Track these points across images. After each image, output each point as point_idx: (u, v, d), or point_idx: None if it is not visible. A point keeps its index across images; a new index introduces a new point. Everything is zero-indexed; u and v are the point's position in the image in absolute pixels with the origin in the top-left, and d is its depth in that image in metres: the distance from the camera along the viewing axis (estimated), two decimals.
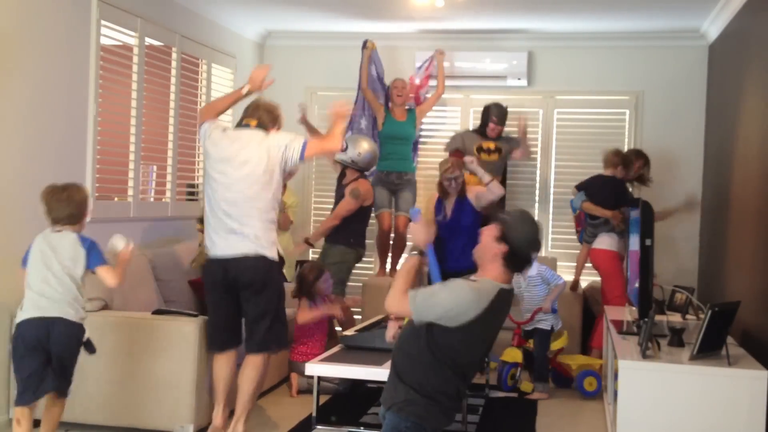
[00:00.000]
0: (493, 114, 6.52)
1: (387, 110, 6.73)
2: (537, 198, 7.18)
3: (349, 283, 6.11)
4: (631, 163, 6.19)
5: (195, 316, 4.46)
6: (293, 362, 5.35)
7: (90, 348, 3.87)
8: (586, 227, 6.21)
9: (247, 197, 4.11)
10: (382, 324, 5.07)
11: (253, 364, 4.23)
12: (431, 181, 6.54)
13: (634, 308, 4.76)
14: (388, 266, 6.78)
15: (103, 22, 5.09)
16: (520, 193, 7.15)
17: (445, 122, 7.30)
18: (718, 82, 6.40)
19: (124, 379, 4.34)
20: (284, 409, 5.02)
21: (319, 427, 4.36)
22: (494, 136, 6.55)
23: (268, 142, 4.18)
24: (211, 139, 4.25)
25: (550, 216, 7.14)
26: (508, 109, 7.12)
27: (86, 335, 3.82)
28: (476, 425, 4.75)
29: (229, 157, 4.16)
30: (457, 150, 6.50)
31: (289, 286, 6.02)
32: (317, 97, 7.50)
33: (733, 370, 3.61)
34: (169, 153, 5.95)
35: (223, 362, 4.32)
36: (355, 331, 5.01)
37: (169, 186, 5.96)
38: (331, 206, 6.37)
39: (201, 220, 4.84)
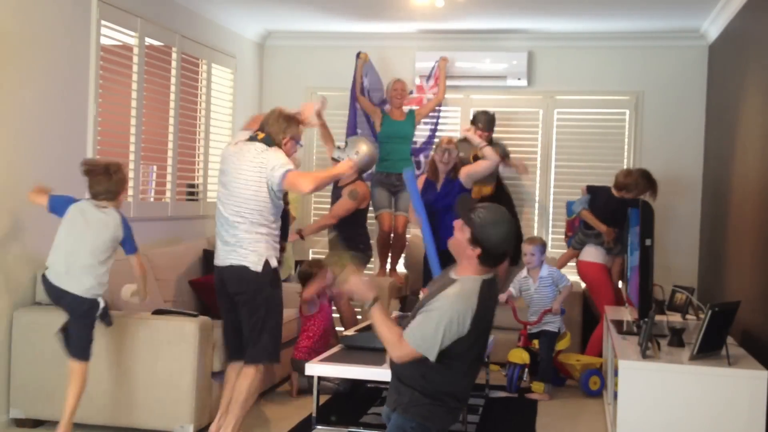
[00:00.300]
0: (479, 122, 6.50)
1: (383, 111, 6.72)
2: (537, 198, 7.18)
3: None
4: (636, 188, 6.05)
5: (195, 316, 4.46)
6: (296, 360, 5.34)
7: (106, 320, 4.12)
8: (577, 233, 6.22)
9: (236, 211, 4.14)
10: None
11: (244, 374, 4.20)
12: None
13: (634, 308, 4.76)
14: (388, 266, 6.78)
15: (103, 22, 5.09)
16: (520, 193, 7.15)
17: (445, 122, 7.29)
18: (718, 82, 6.40)
19: (124, 379, 4.34)
20: (284, 409, 5.02)
21: (319, 427, 4.36)
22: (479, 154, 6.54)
23: (260, 158, 4.13)
24: (226, 151, 4.32)
25: (550, 216, 7.14)
26: (508, 110, 7.15)
27: (101, 308, 4.06)
28: (476, 425, 4.75)
29: (229, 170, 4.19)
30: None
31: (291, 287, 6.04)
32: (317, 97, 7.45)
33: (733, 370, 3.61)
34: (169, 153, 5.95)
35: (230, 371, 4.35)
36: (355, 331, 5.01)
37: (169, 186, 5.96)
38: (329, 206, 6.39)
39: None
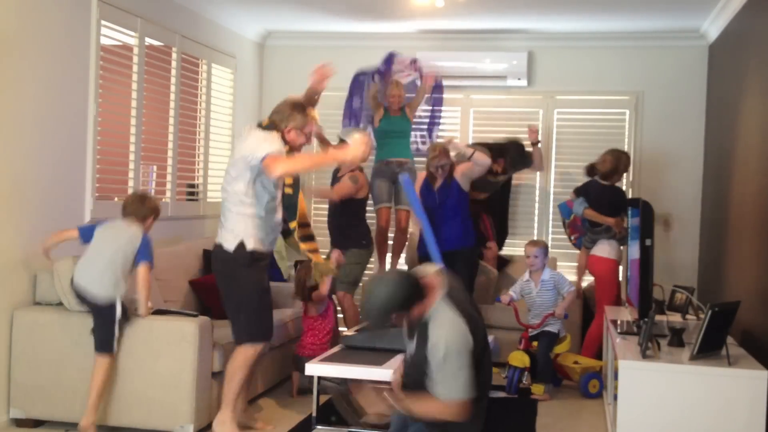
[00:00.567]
0: (509, 158, 6.51)
1: (385, 107, 6.71)
2: (537, 197, 7.18)
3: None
4: (619, 166, 6.09)
5: (195, 316, 4.46)
6: (299, 357, 5.32)
7: (125, 317, 4.32)
8: (586, 233, 6.20)
9: (225, 190, 4.30)
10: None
11: (232, 355, 4.33)
12: None
13: (634, 308, 4.76)
14: (388, 265, 6.77)
15: (103, 22, 5.09)
16: (520, 193, 7.15)
17: (445, 122, 7.28)
18: (718, 82, 6.40)
19: (124, 379, 4.34)
20: (284, 409, 5.02)
21: (319, 427, 4.36)
22: (496, 171, 6.51)
23: (249, 140, 4.25)
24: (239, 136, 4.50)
25: (550, 216, 7.14)
26: (508, 110, 7.16)
27: (119, 312, 4.26)
28: None
29: (232, 153, 4.41)
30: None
31: (286, 287, 6.04)
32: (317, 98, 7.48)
33: (733, 370, 3.61)
34: (169, 153, 5.95)
35: None
36: (356, 331, 5.01)
37: (169, 186, 5.96)
38: (327, 205, 6.38)
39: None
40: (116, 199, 5.48)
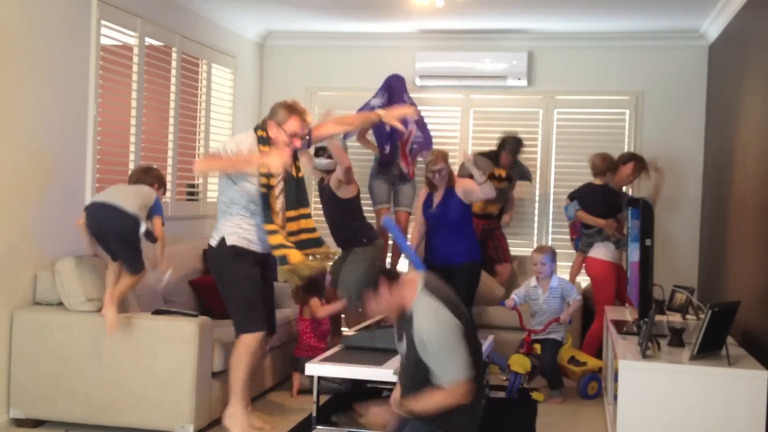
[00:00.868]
0: (509, 147, 6.51)
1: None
2: (537, 197, 7.18)
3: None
4: (617, 167, 6.10)
5: (195, 316, 4.46)
6: (297, 358, 5.33)
7: (151, 238, 4.46)
8: (582, 236, 6.19)
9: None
10: (381, 324, 5.07)
11: (233, 347, 4.41)
12: None
13: (634, 308, 4.76)
14: (388, 266, 6.77)
15: (103, 22, 5.09)
16: (521, 193, 7.14)
17: (445, 122, 7.29)
18: (718, 82, 6.40)
19: (124, 379, 4.34)
20: (284, 409, 5.02)
21: (319, 427, 4.36)
22: (505, 165, 6.53)
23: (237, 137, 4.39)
24: None
25: (550, 216, 7.14)
26: (508, 110, 7.16)
27: (143, 229, 4.37)
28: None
29: None
30: (470, 175, 6.44)
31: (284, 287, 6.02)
32: (317, 97, 7.49)
33: (733, 370, 3.61)
34: (169, 153, 5.95)
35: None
36: (356, 331, 5.01)
37: (169, 186, 5.95)
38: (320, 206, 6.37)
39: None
40: None
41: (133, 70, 5.48)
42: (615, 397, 3.96)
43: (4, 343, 4.40)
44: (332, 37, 7.33)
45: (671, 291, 5.23)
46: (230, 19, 6.79)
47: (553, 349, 5.44)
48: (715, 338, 3.76)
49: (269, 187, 4.27)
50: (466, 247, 5.76)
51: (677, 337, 4.13)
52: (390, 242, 6.75)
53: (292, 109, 4.32)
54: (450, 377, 2.96)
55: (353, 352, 4.58)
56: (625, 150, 6.96)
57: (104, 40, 5.17)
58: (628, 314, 5.14)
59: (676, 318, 4.94)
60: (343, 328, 5.97)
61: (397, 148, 6.51)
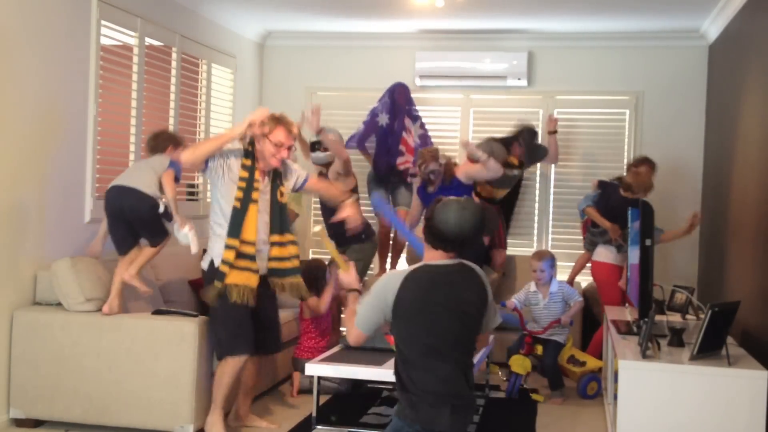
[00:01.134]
0: (523, 139, 6.49)
1: None
2: (537, 197, 7.18)
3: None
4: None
5: (195, 316, 4.46)
6: (297, 359, 5.34)
7: (168, 217, 4.53)
8: (588, 234, 6.18)
9: None
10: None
11: (218, 367, 4.36)
12: None
13: (634, 308, 4.76)
14: (388, 266, 6.77)
15: (103, 22, 5.09)
16: (521, 193, 7.13)
17: (445, 122, 7.29)
18: (718, 82, 6.40)
19: (124, 379, 4.34)
20: (284, 409, 5.02)
21: (319, 427, 4.36)
22: (516, 157, 6.50)
23: None
24: None
25: (550, 216, 7.14)
26: (508, 110, 7.16)
27: (162, 208, 4.51)
28: (476, 425, 4.75)
29: None
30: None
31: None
32: (317, 97, 7.48)
33: (733, 370, 3.61)
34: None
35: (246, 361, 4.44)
36: None
37: None
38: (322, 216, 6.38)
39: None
40: None
41: (133, 70, 5.48)
42: (615, 397, 3.96)
43: (4, 343, 4.40)
44: (332, 37, 7.33)
45: (671, 291, 5.23)
46: (230, 19, 6.79)
47: (555, 350, 5.44)
48: (715, 338, 3.76)
49: (248, 201, 4.22)
50: None
51: (677, 337, 4.14)
52: (389, 243, 6.76)
53: (279, 120, 4.27)
54: (357, 316, 3.01)
55: (353, 352, 4.58)
56: (625, 150, 6.98)
57: (104, 40, 5.17)
58: (628, 314, 5.14)
59: (676, 318, 4.94)
60: (342, 328, 5.97)
61: (393, 167, 6.55)
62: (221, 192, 4.26)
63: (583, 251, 6.44)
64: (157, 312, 4.56)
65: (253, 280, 4.24)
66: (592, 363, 5.64)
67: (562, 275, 6.23)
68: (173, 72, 5.99)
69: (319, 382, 4.35)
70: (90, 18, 4.99)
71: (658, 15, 6.28)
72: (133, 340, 4.35)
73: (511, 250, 6.96)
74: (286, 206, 4.47)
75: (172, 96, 5.97)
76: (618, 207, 5.73)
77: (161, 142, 4.74)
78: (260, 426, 4.61)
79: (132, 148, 5.47)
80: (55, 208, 4.71)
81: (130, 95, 5.47)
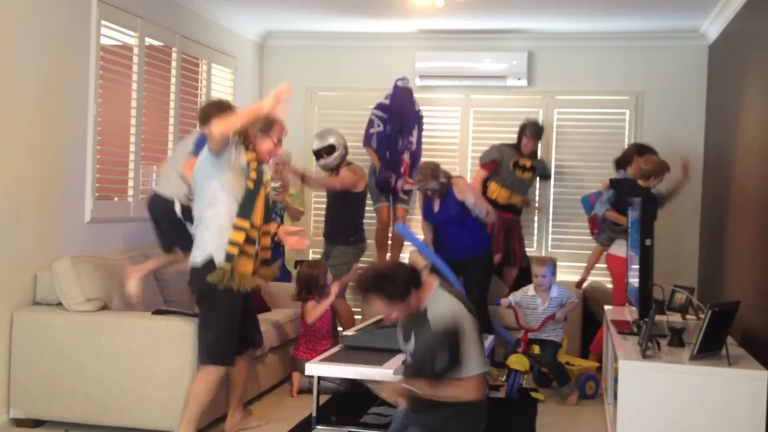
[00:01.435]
0: (528, 130, 6.43)
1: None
2: (537, 197, 7.17)
3: (351, 283, 6.10)
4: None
5: (195, 316, 4.45)
6: (297, 360, 5.34)
7: (188, 217, 4.47)
8: (605, 231, 6.08)
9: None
10: (381, 323, 5.07)
11: (195, 377, 4.18)
12: None
13: (634, 308, 4.76)
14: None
15: (103, 22, 5.09)
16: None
17: (445, 122, 7.29)
18: (718, 82, 6.40)
19: (124, 379, 4.34)
20: (284, 409, 5.02)
21: (319, 427, 4.36)
22: (528, 152, 6.47)
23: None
24: None
25: (550, 215, 7.14)
26: (508, 110, 7.16)
27: (178, 210, 4.56)
28: None
29: None
30: (493, 161, 6.43)
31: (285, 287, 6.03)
32: (317, 97, 7.50)
33: (733, 370, 3.61)
34: (169, 153, 5.94)
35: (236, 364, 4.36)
36: (355, 331, 5.01)
37: None
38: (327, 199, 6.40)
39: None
40: (116, 199, 5.49)
41: (133, 70, 5.48)
42: (615, 397, 3.96)
43: (4, 343, 4.40)
44: (332, 37, 7.33)
45: (671, 291, 5.23)
46: (230, 19, 6.79)
47: (553, 348, 5.45)
48: (715, 338, 3.76)
49: (260, 184, 4.13)
50: (472, 239, 5.77)
51: (677, 337, 4.14)
52: (387, 242, 6.77)
53: (274, 120, 4.21)
54: (464, 369, 2.98)
55: (353, 352, 4.58)
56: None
57: (104, 40, 5.17)
58: (628, 314, 5.14)
59: (676, 318, 4.94)
60: (338, 327, 5.97)
61: (398, 177, 6.58)
62: (222, 180, 4.04)
63: (580, 246, 6.41)
64: (157, 312, 4.56)
65: (249, 267, 4.13)
66: (586, 364, 5.67)
67: (561, 275, 6.22)
68: (173, 72, 5.99)
69: (319, 382, 4.35)
70: (90, 18, 4.99)
71: (658, 15, 6.28)
72: (133, 340, 4.35)
73: None
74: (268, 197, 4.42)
75: (172, 96, 5.97)
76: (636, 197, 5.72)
77: (207, 113, 4.43)
78: (251, 426, 4.57)
79: (132, 148, 5.47)
80: (55, 208, 4.71)
81: (130, 95, 5.47)
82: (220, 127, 3.92)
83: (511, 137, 7.03)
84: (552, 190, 7.15)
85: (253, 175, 4.12)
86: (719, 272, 5.81)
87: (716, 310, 3.67)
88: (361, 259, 6.26)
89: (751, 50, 5.16)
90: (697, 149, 6.89)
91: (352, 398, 5.18)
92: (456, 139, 7.26)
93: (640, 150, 6.12)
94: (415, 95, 6.88)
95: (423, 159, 6.63)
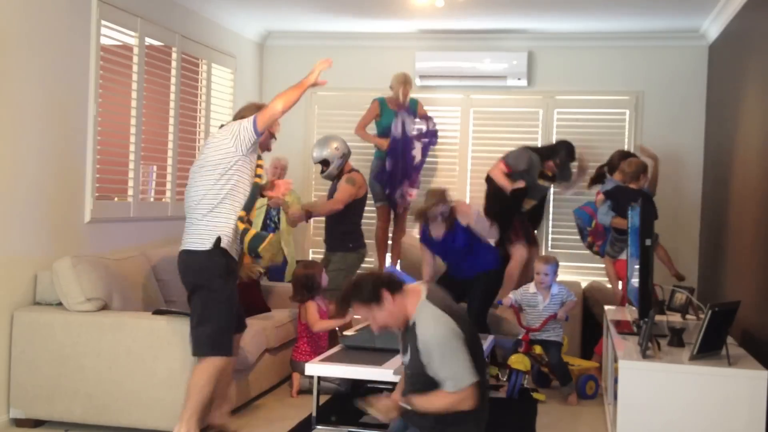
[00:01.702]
0: (558, 157, 6.38)
1: (383, 102, 6.65)
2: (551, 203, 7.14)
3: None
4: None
5: None
6: (295, 362, 5.34)
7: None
8: (611, 242, 6.04)
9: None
10: None
11: (195, 370, 4.10)
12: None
13: (634, 308, 4.76)
14: (388, 264, 6.77)
15: (103, 22, 5.09)
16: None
17: (445, 122, 7.28)
18: (718, 82, 6.40)
19: (124, 379, 4.34)
20: (284, 409, 5.02)
21: (319, 427, 4.36)
22: (549, 171, 6.44)
23: (222, 132, 4.14)
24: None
25: (550, 215, 7.14)
26: (508, 110, 7.17)
27: None
28: None
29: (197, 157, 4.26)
30: (518, 171, 6.33)
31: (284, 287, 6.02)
32: (317, 97, 7.50)
33: (733, 370, 3.61)
34: (169, 153, 5.95)
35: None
36: (355, 331, 5.01)
37: (169, 186, 5.96)
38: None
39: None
40: (116, 199, 5.49)
41: (133, 70, 5.48)
42: (615, 397, 3.96)
43: (4, 343, 4.41)
44: (332, 37, 7.33)
45: (671, 291, 5.23)
46: (230, 19, 6.79)
47: (556, 349, 5.45)
48: (715, 338, 3.76)
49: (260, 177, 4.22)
50: (479, 261, 5.71)
51: (677, 337, 4.14)
52: (386, 243, 6.76)
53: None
54: (455, 382, 3.00)
55: (353, 352, 4.58)
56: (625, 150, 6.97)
57: (104, 40, 5.17)
58: (628, 314, 5.14)
59: (676, 318, 4.94)
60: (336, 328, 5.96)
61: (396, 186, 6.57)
62: (241, 168, 4.05)
63: (582, 247, 6.37)
64: (157, 312, 4.56)
65: (247, 258, 4.19)
66: (586, 364, 5.67)
67: (561, 275, 6.20)
68: (173, 72, 5.99)
69: (319, 382, 4.35)
70: (90, 18, 4.99)
71: (658, 15, 6.28)
72: (133, 340, 4.35)
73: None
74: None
75: (172, 96, 5.97)
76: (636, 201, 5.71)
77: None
78: (230, 429, 4.45)
79: (132, 148, 5.47)
80: (55, 208, 4.71)
81: (130, 95, 5.47)
82: (284, 102, 3.98)
83: (512, 137, 7.03)
84: (552, 190, 7.14)
85: (260, 171, 4.19)
86: (719, 272, 5.81)
87: (716, 310, 3.67)
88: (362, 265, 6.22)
89: (751, 50, 5.16)
90: (697, 149, 6.89)
91: (352, 398, 5.17)
92: (456, 139, 7.26)
93: (623, 156, 6.15)
94: (416, 95, 6.86)
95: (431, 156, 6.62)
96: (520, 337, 5.51)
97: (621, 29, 6.84)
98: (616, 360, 3.94)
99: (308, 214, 5.97)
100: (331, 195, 6.11)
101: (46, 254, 4.62)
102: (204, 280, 4.03)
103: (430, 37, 7.19)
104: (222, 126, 4.29)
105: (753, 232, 4.75)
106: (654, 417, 3.65)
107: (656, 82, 6.97)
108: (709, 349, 3.76)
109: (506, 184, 6.17)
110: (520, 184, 6.22)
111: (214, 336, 4.04)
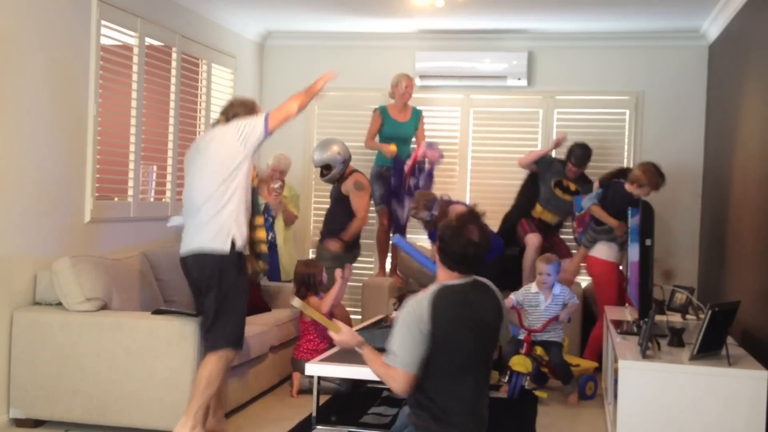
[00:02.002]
0: (574, 156, 6.34)
1: (384, 111, 6.65)
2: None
3: (349, 284, 6.10)
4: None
5: (195, 316, 4.45)
6: (297, 360, 5.34)
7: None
8: (588, 231, 6.13)
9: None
10: (382, 324, 5.07)
11: (204, 362, 4.08)
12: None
13: (634, 308, 4.76)
14: (388, 266, 6.77)
15: (103, 22, 5.09)
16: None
17: (445, 122, 7.29)
18: (718, 82, 6.40)
19: (124, 379, 4.34)
20: (284, 409, 5.02)
21: (319, 427, 4.36)
22: (572, 177, 6.42)
23: (228, 129, 4.10)
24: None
25: None
26: (508, 110, 7.16)
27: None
28: None
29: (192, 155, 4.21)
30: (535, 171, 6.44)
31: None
32: (317, 97, 7.47)
33: (733, 370, 3.61)
34: (169, 153, 5.95)
35: None
36: (356, 331, 5.01)
37: (169, 186, 5.96)
38: (327, 206, 6.41)
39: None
40: (116, 199, 5.49)
41: (133, 70, 5.48)
42: (615, 397, 3.96)
43: (4, 343, 4.41)
44: (332, 37, 7.33)
45: (671, 291, 5.23)
46: (230, 19, 6.79)
47: (558, 349, 5.45)
48: (715, 338, 3.76)
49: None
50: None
51: (677, 337, 4.14)
52: (387, 244, 6.76)
53: (256, 105, 4.30)
54: (392, 358, 2.93)
55: (353, 352, 4.54)
56: (625, 150, 6.98)
57: (104, 40, 5.17)
58: (628, 314, 5.14)
59: (676, 318, 4.94)
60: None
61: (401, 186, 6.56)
62: (244, 170, 4.06)
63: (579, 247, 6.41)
64: (157, 312, 4.56)
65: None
66: (585, 364, 5.67)
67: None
68: (173, 72, 5.99)
69: (319, 382, 4.35)
70: (90, 18, 4.99)
71: (658, 15, 6.28)
72: (133, 340, 4.35)
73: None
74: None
75: (172, 96, 5.97)
76: (621, 203, 5.70)
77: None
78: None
79: (132, 148, 5.47)
80: (55, 208, 4.71)
81: (130, 95, 5.47)
82: (299, 103, 4.12)
83: (512, 137, 7.03)
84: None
85: (255, 172, 4.22)
86: (719, 272, 5.81)
87: (716, 310, 3.67)
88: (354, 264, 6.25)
89: (751, 50, 5.16)
90: (697, 149, 6.89)
91: (352, 398, 5.18)
92: (456, 139, 7.26)
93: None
94: (416, 95, 6.85)
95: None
96: (521, 338, 5.51)
97: (621, 29, 6.84)
98: (616, 360, 3.94)
99: (344, 244, 6.11)
100: (333, 196, 6.11)
101: (46, 254, 4.62)
102: (221, 278, 4.02)
103: (430, 37, 7.19)
104: (214, 124, 4.29)
105: (753, 232, 4.75)
106: (654, 417, 3.65)
107: (656, 82, 6.97)
108: (709, 349, 3.76)
109: (536, 154, 6.31)
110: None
111: (233, 330, 4.08)
